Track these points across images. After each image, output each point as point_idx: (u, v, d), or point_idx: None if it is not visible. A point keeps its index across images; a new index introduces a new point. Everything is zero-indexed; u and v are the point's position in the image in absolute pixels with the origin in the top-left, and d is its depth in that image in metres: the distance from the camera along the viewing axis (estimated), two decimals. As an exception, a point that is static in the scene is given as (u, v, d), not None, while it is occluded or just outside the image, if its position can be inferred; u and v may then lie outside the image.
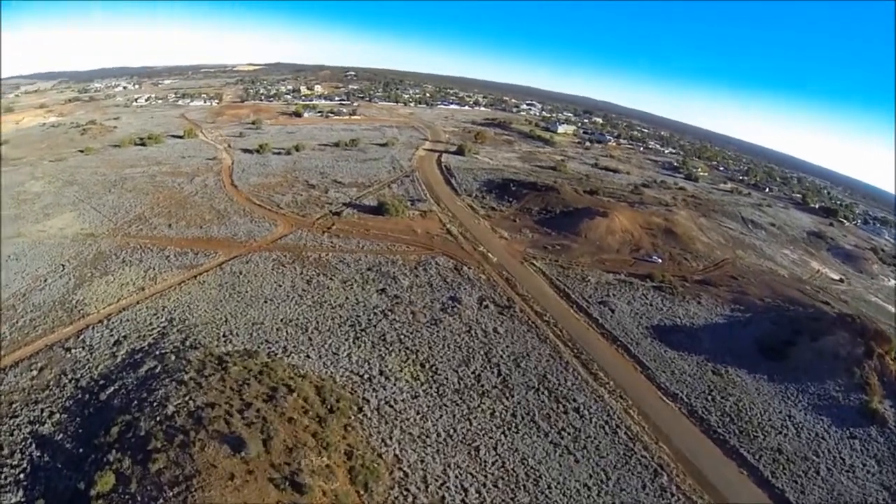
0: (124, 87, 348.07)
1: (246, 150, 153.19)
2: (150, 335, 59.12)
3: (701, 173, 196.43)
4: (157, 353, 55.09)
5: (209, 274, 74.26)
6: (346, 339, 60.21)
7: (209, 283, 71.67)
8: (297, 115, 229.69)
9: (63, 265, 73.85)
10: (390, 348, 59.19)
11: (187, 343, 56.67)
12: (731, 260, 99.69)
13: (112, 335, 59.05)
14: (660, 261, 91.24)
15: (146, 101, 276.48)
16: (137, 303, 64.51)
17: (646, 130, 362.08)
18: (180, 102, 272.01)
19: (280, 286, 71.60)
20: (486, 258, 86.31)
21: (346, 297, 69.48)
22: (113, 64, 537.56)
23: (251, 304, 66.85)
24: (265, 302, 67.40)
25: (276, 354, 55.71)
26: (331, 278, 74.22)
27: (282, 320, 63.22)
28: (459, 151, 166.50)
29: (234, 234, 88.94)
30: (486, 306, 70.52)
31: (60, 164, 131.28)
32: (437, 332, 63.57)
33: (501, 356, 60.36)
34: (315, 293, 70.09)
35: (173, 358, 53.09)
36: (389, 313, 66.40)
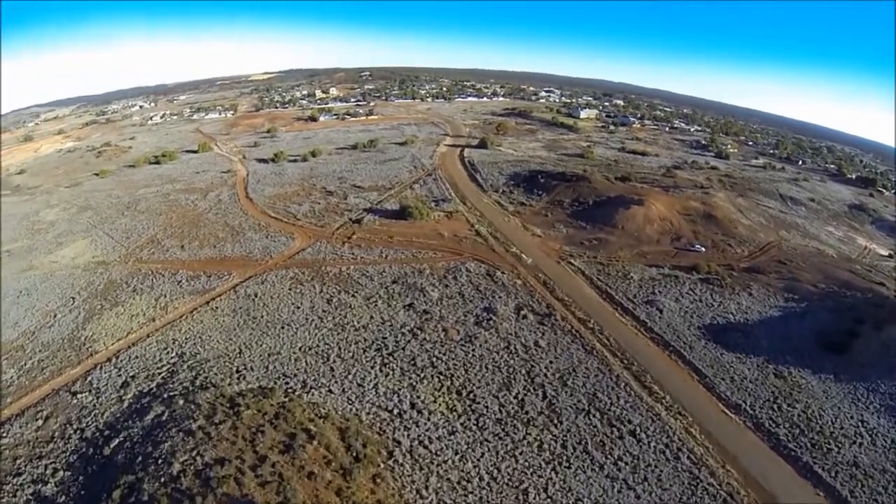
0: (140, 107, 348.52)
1: (261, 160, 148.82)
2: (160, 373, 54.25)
3: (731, 150, 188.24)
4: (165, 395, 49.89)
5: (222, 298, 69.31)
6: (373, 367, 53.93)
7: (222, 310, 66.55)
8: (313, 119, 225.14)
9: (74, 297, 71.27)
10: (422, 374, 52.75)
11: (197, 382, 51.23)
12: (776, 243, 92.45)
13: (120, 375, 54.57)
14: (703, 249, 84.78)
15: (161, 118, 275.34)
16: (148, 336, 60.86)
17: (668, 109, 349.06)
18: (195, 117, 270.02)
19: (298, 308, 65.89)
20: (520, 260, 79.30)
21: (371, 317, 63.32)
22: (129, 85, 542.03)
23: (267, 330, 61.26)
24: (282, 327, 61.73)
25: (293, 391, 49.74)
26: (353, 295, 68.15)
27: (300, 348, 57.39)
28: (482, 145, 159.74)
29: (249, 252, 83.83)
30: (525, 316, 63.66)
31: (76, 189, 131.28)
32: (473, 350, 56.98)
33: (546, 375, 53.52)
34: (336, 314, 64.12)
35: (181, 402, 47.65)
36: (419, 332, 60.00)
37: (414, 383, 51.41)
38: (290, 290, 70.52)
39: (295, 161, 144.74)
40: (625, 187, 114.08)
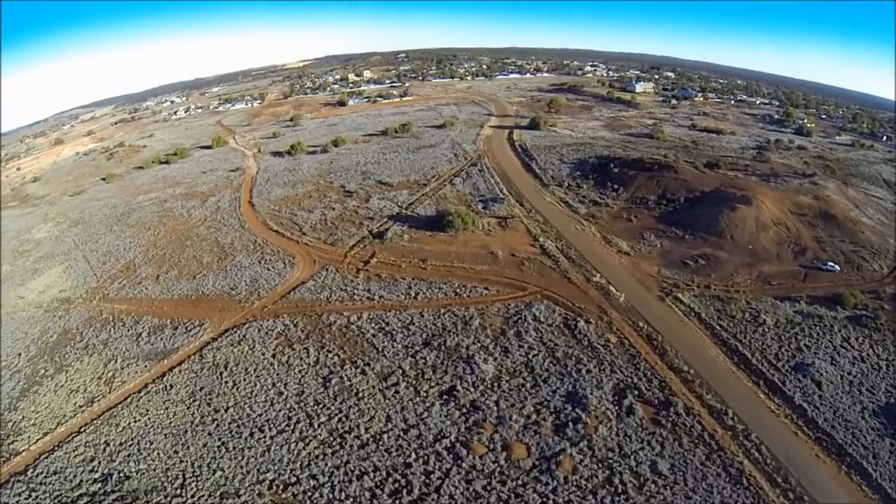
0: (171, 102, 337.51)
1: (276, 154, 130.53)
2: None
3: (809, 125, 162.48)
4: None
5: (183, 370, 49.89)
6: (386, 539, 30.81)
7: (178, 392, 46.87)
8: (341, 104, 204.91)
9: (21, 353, 58.70)
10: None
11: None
12: (917, 253, 69.14)
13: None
14: (837, 268, 64.39)
15: (185, 112, 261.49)
16: (79, 431, 44.62)
17: (723, 81, 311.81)
18: (221, 108, 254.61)
19: (280, 395, 43.89)
20: (608, 295, 54.59)
21: (388, 417, 40.21)
22: (167, 81, 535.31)
23: (229, 440, 39.91)
24: (251, 435, 40.01)
25: None
26: (363, 370, 45.22)
27: (270, 486, 34.83)
28: (533, 125, 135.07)
29: (233, 288, 63.33)
30: (631, 410, 39.65)
31: (78, 197, 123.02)
32: (555, 488, 32.95)
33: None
34: (334, 409, 41.50)
35: None
36: (464, 452, 36.59)
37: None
38: (273, 357, 48.49)
39: (314, 153, 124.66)
40: (719, 178, 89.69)
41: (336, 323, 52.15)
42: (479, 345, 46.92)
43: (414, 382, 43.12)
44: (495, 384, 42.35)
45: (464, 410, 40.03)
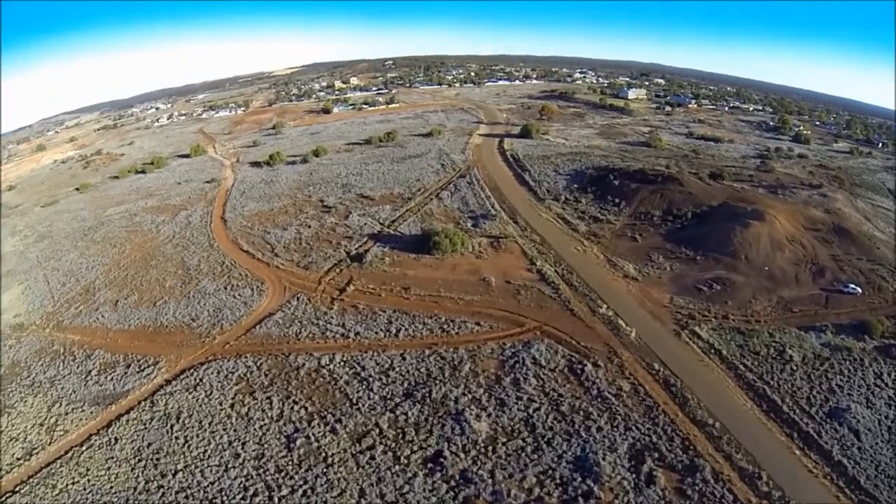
0: (156, 109, 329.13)
1: (255, 164, 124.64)
2: None
3: (805, 132, 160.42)
4: None
5: (131, 420, 43.80)
6: None
7: (123, 448, 40.84)
8: (326, 111, 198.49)
9: None
10: None
11: None
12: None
13: None
14: (859, 291, 59.28)
15: (168, 119, 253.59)
16: (13, 490, 38.94)
17: (713, 88, 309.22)
18: (204, 115, 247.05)
19: (237, 458, 37.40)
20: (618, 330, 48.26)
21: (361, 492, 33.51)
22: (154, 87, 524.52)
23: None
24: None
25: None
26: (333, 429, 38.53)
27: None
28: (525, 133, 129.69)
29: (195, 318, 57.25)
30: (651, 478, 33.62)
31: (49, 208, 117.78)
32: None
33: None
34: (298, 481, 34.93)
35: None
36: (453, 539, 29.60)
37: None
38: (231, 408, 41.79)
39: (293, 163, 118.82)
40: (724, 190, 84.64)
41: (305, 366, 45.38)
42: (469, 396, 40.20)
43: (393, 445, 36.32)
44: (490, 448, 35.64)
45: (452, 483, 33.32)
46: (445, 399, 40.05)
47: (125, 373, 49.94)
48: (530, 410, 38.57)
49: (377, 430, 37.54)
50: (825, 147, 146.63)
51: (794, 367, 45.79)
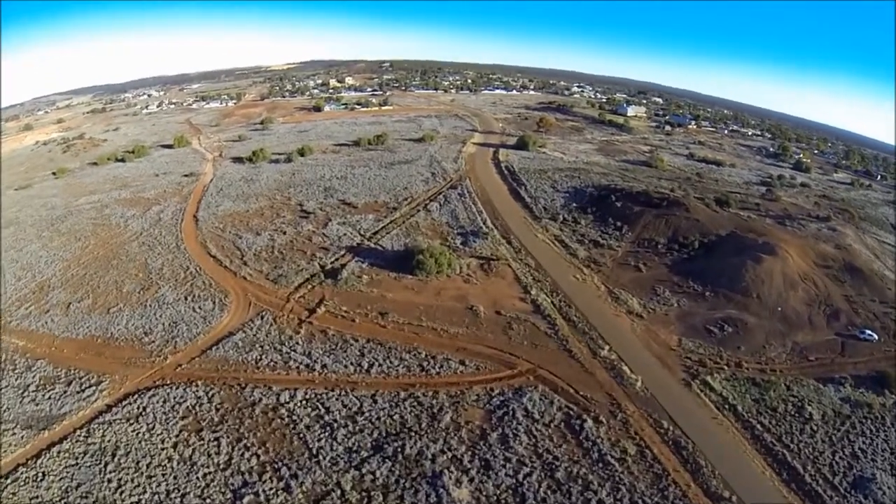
0: (149, 96, 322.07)
1: (237, 160, 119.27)
2: None
3: (805, 160, 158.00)
4: None
5: (63, 450, 37.39)
6: None
7: (49, 487, 34.69)
8: (317, 109, 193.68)
9: None
10: None
11: None
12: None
13: None
14: (875, 337, 55.32)
15: (157, 107, 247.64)
16: None
17: (710, 110, 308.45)
18: (195, 106, 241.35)
19: None
20: (622, 378, 42.84)
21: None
22: (150, 74, 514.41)
23: None
24: None
25: None
26: (287, 487, 32.61)
27: None
28: (521, 145, 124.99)
29: (148, 332, 51.29)
30: None
31: (22, 192, 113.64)
32: None
33: None
34: (238, 553, 28.49)
35: None
36: None
37: None
38: (174, 449, 35.91)
39: (276, 161, 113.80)
40: (731, 218, 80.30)
41: (261, 402, 39.30)
42: (449, 455, 34.17)
43: (357, 523, 30.35)
44: (474, 530, 29.82)
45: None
46: (421, 456, 34.02)
47: (65, 391, 43.89)
48: (520, 476, 32.69)
49: (339, 492, 31.42)
50: (825, 177, 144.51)
51: (815, 428, 40.89)
